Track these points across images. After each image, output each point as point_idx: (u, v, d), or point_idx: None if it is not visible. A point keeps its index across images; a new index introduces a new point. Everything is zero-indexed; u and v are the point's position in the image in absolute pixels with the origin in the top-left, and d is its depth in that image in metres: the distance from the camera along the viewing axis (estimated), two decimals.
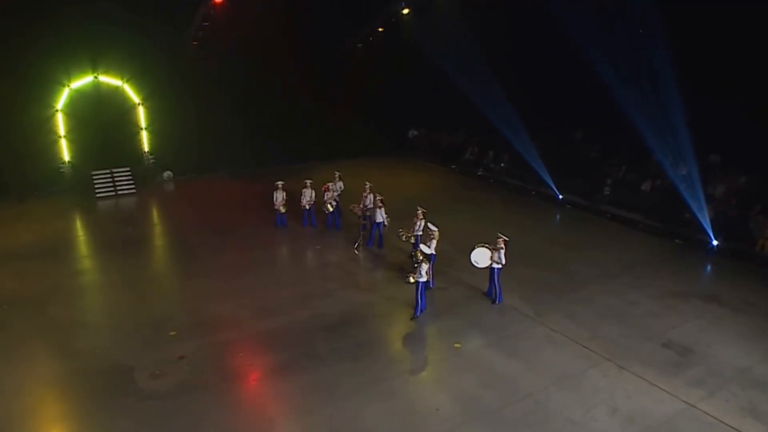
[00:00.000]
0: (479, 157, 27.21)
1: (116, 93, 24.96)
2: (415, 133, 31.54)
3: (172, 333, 12.65)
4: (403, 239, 15.43)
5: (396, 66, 26.95)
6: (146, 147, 26.26)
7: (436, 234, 13.61)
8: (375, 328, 12.76)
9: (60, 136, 24.29)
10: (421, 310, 13.49)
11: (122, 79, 24.89)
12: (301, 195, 18.57)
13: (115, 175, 24.79)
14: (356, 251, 16.78)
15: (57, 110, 24.04)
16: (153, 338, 12.41)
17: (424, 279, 13.43)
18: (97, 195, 23.85)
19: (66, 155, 24.59)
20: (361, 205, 17.05)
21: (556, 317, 13.33)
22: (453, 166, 27.28)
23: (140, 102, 25.53)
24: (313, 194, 18.63)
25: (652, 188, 22.22)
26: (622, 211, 21.13)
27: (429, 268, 12.93)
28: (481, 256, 14.08)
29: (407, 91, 26.89)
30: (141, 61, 24.43)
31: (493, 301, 13.94)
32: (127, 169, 24.94)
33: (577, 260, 17.23)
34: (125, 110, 25.28)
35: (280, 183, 18.75)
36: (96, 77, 24.32)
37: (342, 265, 15.92)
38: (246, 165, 26.95)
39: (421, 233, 15.16)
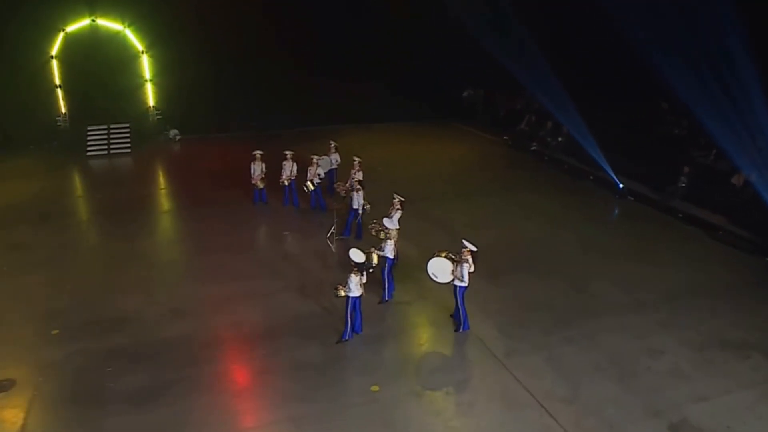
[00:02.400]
0: (536, 128, 24.85)
1: (116, 39, 24.45)
2: (471, 92, 29.87)
3: (55, 332, 11.75)
4: (372, 233, 14.07)
5: (442, 19, 25.95)
6: (151, 101, 25.88)
7: (397, 203, 12.94)
8: (283, 351, 11.25)
9: (56, 86, 24.08)
10: (354, 331, 11.84)
11: (123, 23, 24.27)
12: (282, 169, 17.57)
13: (112, 132, 24.39)
14: (329, 242, 15.60)
15: (52, 56, 23.80)
16: (31, 335, 11.58)
17: (356, 294, 11.43)
18: (88, 153, 23.62)
19: (62, 107, 24.52)
20: (348, 184, 16.19)
21: (531, 362, 11.03)
22: (505, 137, 25.72)
23: (144, 50, 24.91)
24: (294, 168, 17.64)
25: (745, 183, 18.08)
26: (701, 211, 18.13)
27: (387, 260, 12.08)
28: (439, 268, 11.88)
29: (460, 48, 25.72)
30: (145, 3, 23.80)
31: (457, 328, 11.83)
32: (126, 125, 24.51)
33: (609, 276, 14.37)
34: (127, 59, 24.78)
35: (258, 153, 17.84)
36: (93, 20, 23.78)
37: (301, 260, 14.74)
38: (264, 125, 26.15)
39: (397, 227, 13.95)
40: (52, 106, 24.23)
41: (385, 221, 12.81)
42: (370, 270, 12.09)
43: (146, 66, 25.23)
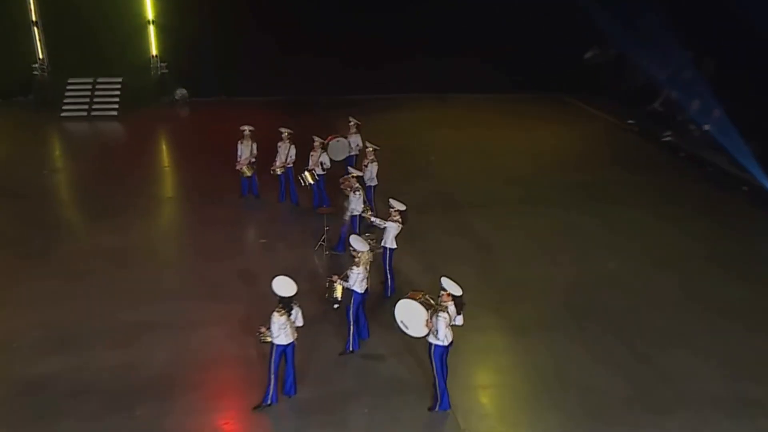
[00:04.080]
0: (674, 110, 23.86)
1: None
2: (597, 52, 28.29)
3: None
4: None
5: None
6: (154, 50, 26.22)
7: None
8: (170, 415, 10.68)
9: (32, 22, 24.73)
10: (285, 393, 10.99)
11: None
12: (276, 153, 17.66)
13: (98, 87, 24.96)
14: (316, 257, 15.52)
15: None
16: None
17: (283, 341, 10.50)
18: (63, 114, 24.30)
19: (40, 52, 25.18)
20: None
21: None
22: (630, 121, 25.04)
23: None
24: (293, 151, 17.51)
25: None
26: None
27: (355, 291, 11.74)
28: (411, 316, 10.67)
29: None
30: None
31: (432, 406, 10.88)
32: (117, 81, 25.07)
33: (700, 351, 12.56)
34: None
35: (246, 128, 17.58)
36: None
37: (264, 280, 13.10)
38: (301, 89, 26.27)
39: (393, 246, 13.77)
40: (27, 49, 24.99)
41: (352, 242, 11.83)
42: (335, 306, 12.01)
43: (149, 3, 25.56)
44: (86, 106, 24.23)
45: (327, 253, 15.31)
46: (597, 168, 21.49)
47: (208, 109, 26.01)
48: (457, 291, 10.39)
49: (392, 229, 13.38)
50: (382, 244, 13.35)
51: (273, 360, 10.67)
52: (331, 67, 25.83)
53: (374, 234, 13.84)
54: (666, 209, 18.36)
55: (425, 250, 15.51)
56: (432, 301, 10.65)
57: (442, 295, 10.39)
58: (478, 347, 12.25)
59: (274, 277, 10.61)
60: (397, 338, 11.65)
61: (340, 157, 17.64)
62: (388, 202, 13.55)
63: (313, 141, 16.88)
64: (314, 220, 16.42)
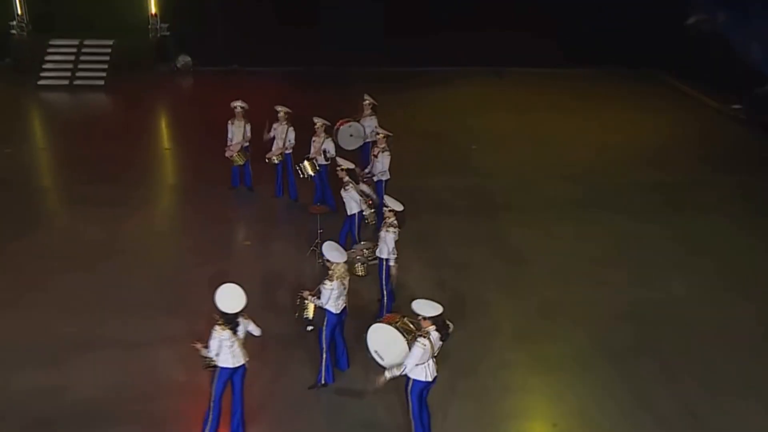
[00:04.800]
0: None
1: None
2: (702, 16, 28.23)
3: None
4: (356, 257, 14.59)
5: None
6: (153, 8, 26.73)
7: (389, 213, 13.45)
8: None
9: None
10: None
11: None
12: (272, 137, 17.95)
13: (84, 51, 25.53)
14: (316, 260, 15.67)
15: None
16: None
17: (228, 364, 10.50)
18: (39, 82, 24.91)
19: (19, 6, 25.94)
20: (366, 170, 16.69)
21: None
22: (735, 106, 25.09)
23: None
24: (291, 135, 17.69)
25: None
26: None
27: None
28: (387, 345, 10.62)
29: None
30: None
31: None
32: (107, 43, 25.66)
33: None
34: None
35: (238, 105, 17.81)
36: None
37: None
38: (331, 59, 26.56)
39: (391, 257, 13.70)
40: (3, 2, 25.73)
41: (325, 251, 11.81)
42: (308, 329, 12.26)
43: None
44: (69, 74, 24.77)
45: (320, 261, 15.08)
46: (680, 165, 21.17)
47: (216, 81, 26.35)
48: (433, 311, 10.30)
49: (390, 235, 13.31)
50: (378, 253, 13.38)
51: (215, 388, 10.56)
52: (368, 34, 26.19)
53: (375, 244, 14.02)
54: (762, 222, 18.10)
55: (439, 262, 15.47)
56: (412, 326, 10.57)
57: (424, 323, 10.28)
58: (497, 385, 12.18)
59: (220, 286, 10.72)
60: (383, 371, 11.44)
61: (353, 146, 17.79)
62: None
63: (314, 124, 16.90)
64: (314, 220, 16.39)
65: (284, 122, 17.40)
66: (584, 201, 18.73)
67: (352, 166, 15.38)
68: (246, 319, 10.48)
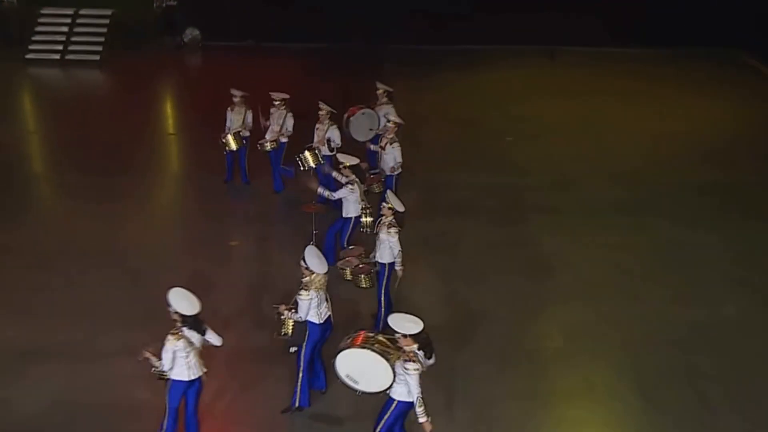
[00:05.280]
0: None
1: None
2: None
3: None
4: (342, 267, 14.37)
5: None
6: None
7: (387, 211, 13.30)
8: None
9: None
10: None
11: None
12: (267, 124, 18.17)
13: (79, 22, 25.87)
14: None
15: None
16: None
17: (183, 377, 10.61)
18: (28, 56, 25.34)
19: None
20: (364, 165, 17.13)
21: None
22: None
23: None
24: (290, 122, 18.01)
25: None
26: None
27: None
28: (361, 367, 10.69)
29: None
30: None
31: None
32: (105, 13, 25.98)
33: None
34: None
35: (238, 94, 18.40)
36: None
37: (213, 298, 14.44)
38: (359, 33, 26.68)
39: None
40: None
41: (307, 257, 11.74)
42: (291, 350, 12.50)
43: None
44: (60, 47, 25.11)
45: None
46: (748, 164, 20.81)
47: (228, 58, 26.50)
48: (415, 327, 10.27)
49: (393, 237, 13.21)
50: (378, 258, 13.22)
51: (169, 399, 10.63)
52: (402, 6, 26.36)
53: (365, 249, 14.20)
54: None
55: (450, 272, 15.36)
56: (390, 346, 10.53)
57: (398, 339, 10.26)
58: (504, 417, 12.05)
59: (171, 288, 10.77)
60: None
61: (365, 137, 17.72)
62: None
63: (319, 110, 16.97)
64: (320, 218, 16.42)
65: (282, 108, 17.62)
66: (628, 203, 18.60)
67: (356, 161, 15.44)
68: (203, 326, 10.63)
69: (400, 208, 13.25)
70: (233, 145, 18.11)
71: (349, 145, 17.10)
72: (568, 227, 17.27)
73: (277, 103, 17.68)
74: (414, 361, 10.14)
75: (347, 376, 10.78)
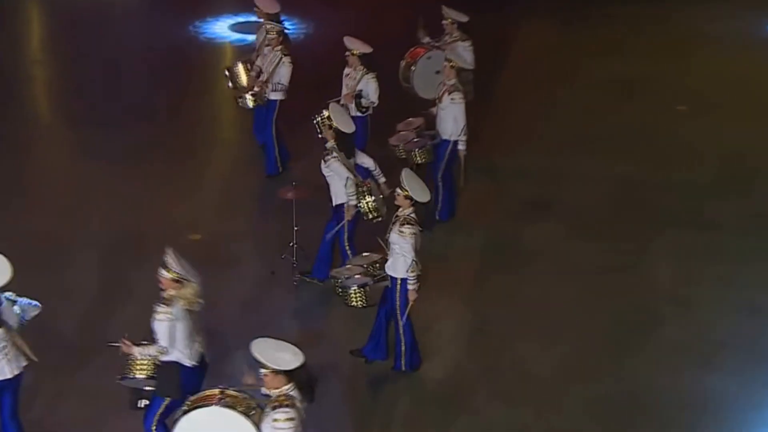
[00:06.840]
0: None
1: None
2: None
3: None
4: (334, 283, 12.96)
5: None
6: None
7: (403, 199, 11.65)
8: None
9: None
10: None
11: None
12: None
13: None
14: (301, 278, 14.27)
15: None
16: None
17: (7, 376, 9.91)
18: None
19: None
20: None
21: None
22: None
23: None
24: (285, 69, 16.23)
25: None
26: None
27: None
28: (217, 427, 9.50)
29: None
30: None
31: None
32: None
33: None
34: None
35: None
36: None
37: (143, 302, 13.26)
38: None
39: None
40: None
41: (167, 256, 9.88)
42: (139, 404, 10.86)
43: None
44: None
45: (296, 278, 13.35)
46: None
47: None
48: (291, 360, 8.85)
49: (406, 241, 11.12)
50: (388, 271, 11.18)
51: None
52: None
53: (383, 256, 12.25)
54: None
55: (483, 295, 12.72)
56: (251, 401, 9.23)
57: (265, 378, 8.66)
58: None
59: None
60: None
61: (435, 92, 15.10)
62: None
63: (348, 51, 14.92)
64: (301, 212, 14.55)
65: (278, 49, 15.76)
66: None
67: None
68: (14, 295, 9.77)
69: (423, 198, 11.25)
70: (250, 104, 16.45)
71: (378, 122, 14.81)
72: (691, 249, 13.63)
73: (271, 35, 15.89)
74: (287, 407, 8.57)
75: None
